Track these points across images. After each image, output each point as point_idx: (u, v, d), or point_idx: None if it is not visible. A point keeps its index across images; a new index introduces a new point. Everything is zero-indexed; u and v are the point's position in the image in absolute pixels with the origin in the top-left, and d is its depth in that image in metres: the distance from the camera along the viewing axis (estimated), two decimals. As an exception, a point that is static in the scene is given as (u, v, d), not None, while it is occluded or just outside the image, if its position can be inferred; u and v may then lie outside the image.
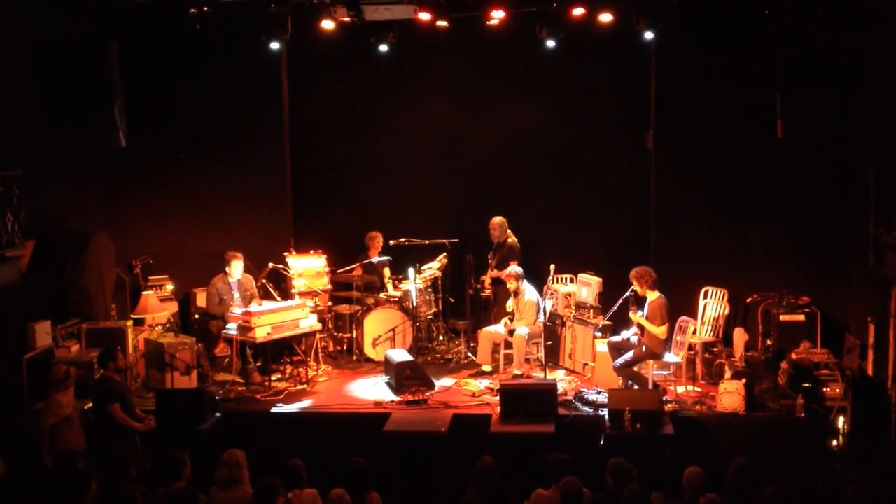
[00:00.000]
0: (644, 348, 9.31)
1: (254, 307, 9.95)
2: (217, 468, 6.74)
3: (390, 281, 11.69)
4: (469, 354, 10.95)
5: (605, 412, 8.57)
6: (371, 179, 12.25)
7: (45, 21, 9.82)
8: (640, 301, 9.37)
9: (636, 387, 9.26)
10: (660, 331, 9.18)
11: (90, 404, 8.32)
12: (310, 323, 10.18)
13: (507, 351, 10.43)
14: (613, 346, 9.58)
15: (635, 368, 9.35)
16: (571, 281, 11.11)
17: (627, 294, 9.41)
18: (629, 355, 9.32)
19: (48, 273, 9.73)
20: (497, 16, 10.45)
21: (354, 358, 11.07)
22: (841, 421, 8.67)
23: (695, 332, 9.95)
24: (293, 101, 11.91)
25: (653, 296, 9.29)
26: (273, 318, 9.78)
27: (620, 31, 10.57)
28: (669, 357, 9.49)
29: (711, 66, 10.63)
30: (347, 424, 9.03)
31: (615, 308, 9.63)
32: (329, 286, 11.36)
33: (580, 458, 7.16)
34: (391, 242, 11.41)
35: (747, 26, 10.32)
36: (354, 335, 11.16)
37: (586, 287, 10.59)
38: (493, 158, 12.03)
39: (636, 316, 9.30)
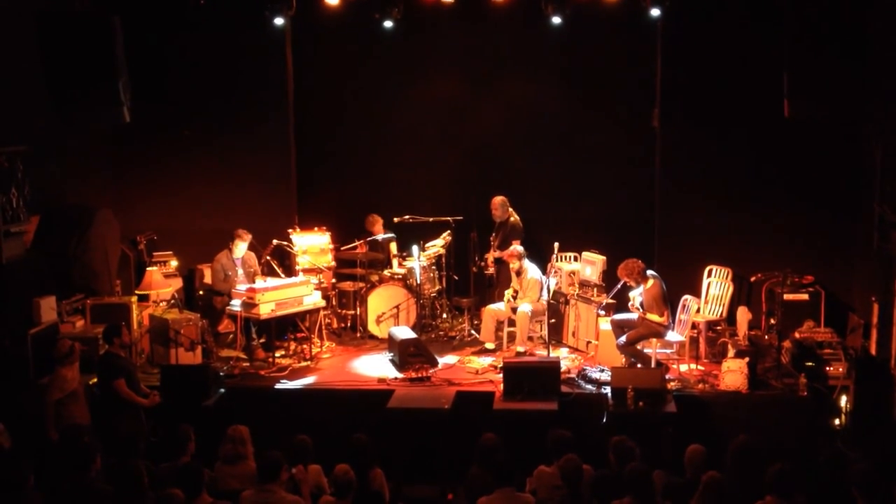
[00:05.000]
0: (647, 327, 9.32)
1: (258, 284, 9.96)
2: (221, 443, 6.79)
3: (396, 258, 11.70)
4: (472, 332, 10.97)
5: (607, 390, 8.60)
6: (375, 156, 12.22)
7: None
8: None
9: (639, 365, 9.28)
10: (661, 319, 9.20)
11: (95, 380, 8.36)
12: (314, 300, 10.19)
13: (511, 329, 10.45)
14: (617, 324, 9.59)
15: (638, 346, 9.37)
16: (575, 259, 11.10)
17: (619, 286, 9.45)
18: (632, 333, 9.33)
19: (53, 249, 9.75)
20: (502, -9, 10.41)
21: (358, 335, 11.09)
22: (843, 400, 8.67)
23: (698, 310, 9.95)
24: (297, 78, 11.86)
25: (647, 285, 9.30)
26: (277, 295, 9.79)
27: (627, 7, 10.51)
28: (672, 335, 9.49)
29: (718, 44, 10.56)
30: (351, 401, 9.07)
31: (619, 286, 9.63)
32: (333, 263, 11.37)
33: (583, 436, 7.19)
34: (395, 220, 11.40)
35: (754, 3, 10.25)
36: (358, 312, 11.17)
37: (590, 265, 10.59)
38: (498, 135, 11.98)
39: (635, 311, 9.33)
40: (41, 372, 8.48)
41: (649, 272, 9.36)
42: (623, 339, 9.34)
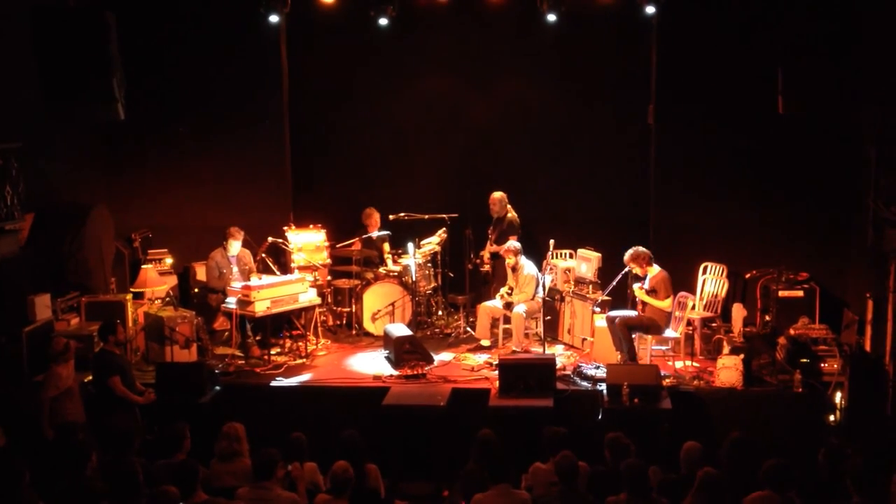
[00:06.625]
0: (647, 318, 9.33)
1: (253, 281, 9.95)
2: (217, 441, 6.78)
3: (390, 256, 11.69)
4: (468, 329, 10.97)
5: (603, 387, 8.61)
6: (371, 154, 12.22)
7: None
8: (640, 277, 9.41)
9: (627, 348, 9.26)
10: (665, 304, 9.22)
11: (90, 377, 8.35)
12: (309, 297, 10.19)
13: (506, 326, 10.45)
14: (612, 320, 9.59)
15: (633, 336, 9.35)
16: (571, 256, 11.11)
17: (622, 274, 9.44)
18: (633, 319, 9.33)
19: (47, 246, 9.73)
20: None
21: (354, 332, 11.08)
22: (838, 396, 8.70)
23: (693, 307, 9.96)
24: (292, 75, 11.83)
25: (653, 271, 9.31)
26: (272, 293, 9.79)
27: (622, 4, 10.52)
28: (668, 332, 9.51)
29: (713, 40, 10.55)
30: (347, 398, 9.07)
31: (614, 283, 9.64)
32: (328, 260, 11.36)
33: (578, 433, 7.20)
34: (390, 217, 11.39)
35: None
36: (354, 309, 11.17)
37: (585, 262, 10.60)
38: (493, 133, 12.00)
39: (641, 292, 9.32)
40: (36, 369, 8.47)
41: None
42: (621, 314, 9.31)
